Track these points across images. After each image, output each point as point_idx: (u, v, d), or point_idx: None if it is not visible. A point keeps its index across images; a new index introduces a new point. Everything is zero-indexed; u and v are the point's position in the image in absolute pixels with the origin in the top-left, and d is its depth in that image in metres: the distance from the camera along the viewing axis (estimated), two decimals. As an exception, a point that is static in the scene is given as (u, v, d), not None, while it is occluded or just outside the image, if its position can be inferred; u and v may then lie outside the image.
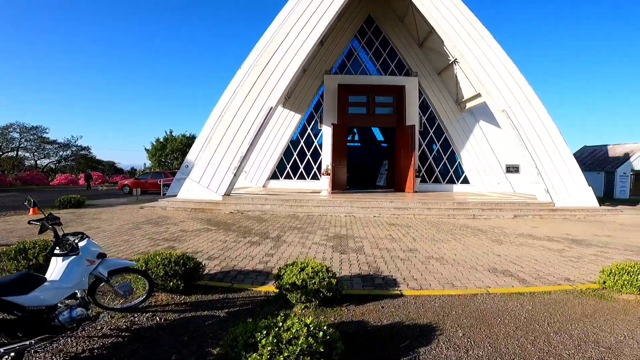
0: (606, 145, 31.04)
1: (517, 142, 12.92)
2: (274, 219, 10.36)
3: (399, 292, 4.43)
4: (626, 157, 26.78)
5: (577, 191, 12.87)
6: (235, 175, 12.79)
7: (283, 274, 3.95)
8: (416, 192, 16.32)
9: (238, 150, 12.75)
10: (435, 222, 10.27)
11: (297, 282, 3.75)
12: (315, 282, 3.76)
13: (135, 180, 21.42)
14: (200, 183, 12.89)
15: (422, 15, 15.90)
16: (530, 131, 12.74)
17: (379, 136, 27.66)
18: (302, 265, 4.02)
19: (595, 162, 28.64)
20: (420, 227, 9.30)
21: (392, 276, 5.04)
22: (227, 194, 12.89)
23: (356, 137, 27.94)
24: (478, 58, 13.35)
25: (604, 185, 25.92)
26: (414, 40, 18.42)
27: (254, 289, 4.49)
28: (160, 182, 17.81)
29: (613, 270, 4.50)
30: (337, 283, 3.95)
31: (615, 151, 29.03)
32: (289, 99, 18.26)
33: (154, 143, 41.12)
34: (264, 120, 12.87)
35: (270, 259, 5.80)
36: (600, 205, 13.01)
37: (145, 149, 42.39)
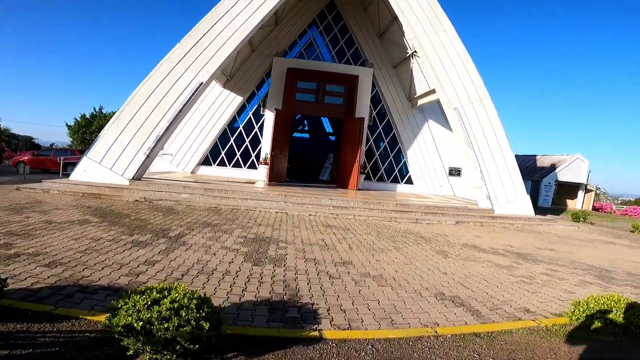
0: (535, 155, 32.94)
1: (465, 143, 12.34)
2: (188, 211, 8.57)
3: (317, 333, 3.06)
4: (552, 167, 28.48)
5: (516, 199, 12.65)
6: (148, 156, 10.70)
7: (121, 307, 2.37)
8: (359, 189, 15.32)
9: (155, 128, 10.67)
10: (376, 226, 9.18)
11: (135, 325, 2.20)
12: (170, 326, 2.25)
13: (34, 157, 17.85)
14: (102, 164, 10.62)
15: (386, 3, 14.91)
16: (479, 133, 12.22)
17: (328, 127, 26.52)
18: (159, 295, 2.47)
19: (524, 171, 30.14)
20: (360, 231, 8.13)
21: (313, 305, 3.67)
22: (137, 178, 10.77)
23: (306, 128, 26.56)
24: (437, 51, 12.55)
25: (530, 193, 27.28)
26: (374, 30, 17.34)
27: (88, 318, 2.88)
28: (60, 160, 14.88)
29: (591, 305, 3.54)
30: (215, 323, 2.47)
31: (543, 161, 30.84)
32: (231, 79, 16.26)
33: (79, 119, 36.13)
34: (191, 96, 10.92)
35: (148, 270, 4.15)
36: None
37: (66, 124, 36.90)
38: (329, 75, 16.05)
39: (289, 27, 16.85)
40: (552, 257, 7.44)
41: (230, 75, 16.04)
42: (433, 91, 14.36)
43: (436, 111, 17.44)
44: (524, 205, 12.74)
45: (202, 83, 10.96)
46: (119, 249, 4.82)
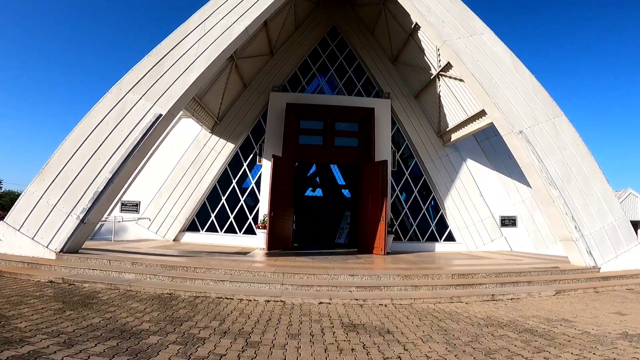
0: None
1: (543, 180, 8.61)
2: (116, 302, 5.03)
3: None
4: None
5: (627, 249, 8.56)
6: (83, 221, 7.38)
7: None
8: (388, 253, 11.42)
9: (92, 182, 7.53)
10: (434, 317, 5.30)
11: None
12: None
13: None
14: (22, 231, 7.41)
15: (396, 17, 12.38)
16: (559, 163, 8.59)
17: (340, 179, 23.20)
18: None
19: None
20: (412, 336, 4.28)
21: None
22: (70, 250, 7.45)
23: (317, 180, 23.31)
24: (478, 58, 9.50)
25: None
26: (386, 55, 14.79)
27: None
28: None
29: None
30: None
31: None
32: (220, 123, 13.52)
33: None
34: (146, 133, 7.90)
35: None
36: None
37: None
38: (338, 110, 13.16)
39: (287, 57, 14.45)
40: None
41: (218, 117, 13.30)
42: (477, 117, 11.14)
43: (473, 147, 14.10)
44: (637, 256, 8.63)
45: (160, 116, 8.00)
46: None
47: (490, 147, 14.18)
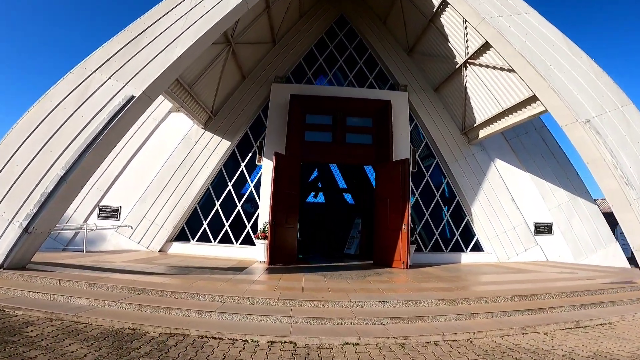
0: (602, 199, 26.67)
1: (608, 176, 6.92)
2: (48, 343, 3.39)
3: None
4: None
5: None
6: (27, 231, 5.66)
7: None
8: (410, 266, 9.65)
9: (40, 182, 5.83)
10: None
11: None
12: None
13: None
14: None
15: (413, 3, 10.86)
16: (632, 158, 6.91)
17: (341, 182, 21.61)
18: None
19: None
20: None
21: None
22: (12, 265, 5.74)
23: (319, 185, 21.69)
24: (525, 38, 7.95)
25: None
26: (400, 46, 13.21)
27: None
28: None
29: None
30: None
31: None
32: (215, 118, 11.86)
33: None
34: (114, 117, 6.22)
35: None
36: None
37: None
38: (350, 103, 11.54)
39: (291, 46, 12.85)
40: None
41: (212, 111, 11.64)
42: (517, 108, 9.53)
43: (502, 146, 12.45)
44: None
45: (133, 98, 6.34)
46: None
47: (521, 146, 12.54)
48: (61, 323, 4.40)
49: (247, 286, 5.94)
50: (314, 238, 15.48)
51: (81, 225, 10.71)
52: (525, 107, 9.53)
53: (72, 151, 5.93)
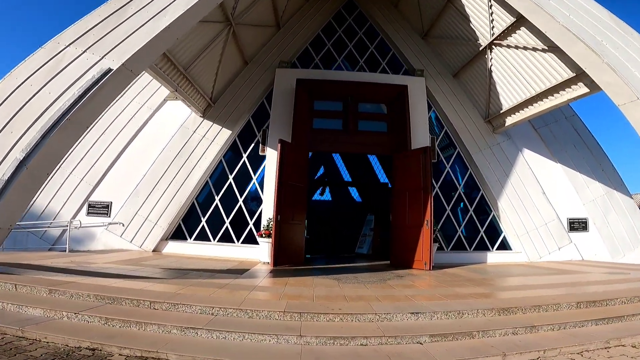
0: None
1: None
2: None
3: None
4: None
5: None
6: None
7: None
8: (433, 268, 8.50)
9: (3, 160, 4.80)
10: None
11: None
12: None
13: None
14: None
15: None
16: None
17: (348, 177, 20.58)
18: None
19: None
20: None
21: None
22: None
23: (325, 179, 20.64)
24: (565, 10, 6.88)
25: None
26: (414, 29, 12.10)
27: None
28: None
29: None
30: None
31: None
32: (214, 105, 10.84)
33: None
34: (89, 91, 5.21)
35: None
36: None
37: None
38: (362, 87, 10.45)
39: (296, 31, 11.81)
40: None
41: (211, 98, 10.62)
42: (553, 91, 8.40)
43: (529, 135, 11.30)
44: None
45: (110, 70, 5.32)
46: None
47: (551, 135, 11.36)
48: (2, 339, 3.38)
49: (246, 294, 4.87)
50: (320, 236, 14.40)
51: (68, 223, 9.74)
52: (564, 90, 8.44)
53: (35, 132, 4.92)
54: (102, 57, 5.59)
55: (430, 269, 8.21)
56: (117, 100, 11.09)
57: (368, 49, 12.24)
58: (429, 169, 8.70)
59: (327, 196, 20.80)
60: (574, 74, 7.85)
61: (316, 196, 19.38)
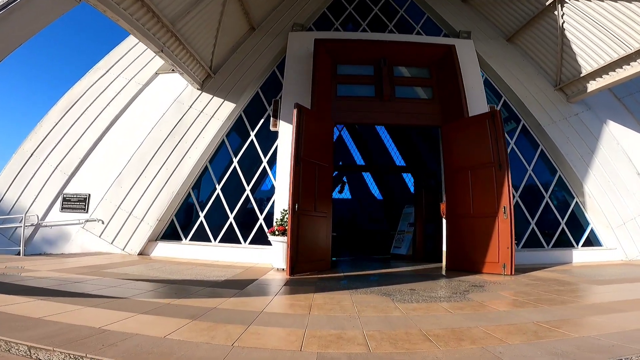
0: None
1: None
2: None
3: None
4: None
5: None
6: None
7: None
8: (514, 274, 6.03)
9: None
10: None
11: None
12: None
13: None
14: None
15: None
16: None
17: (359, 160, 18.42)
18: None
19: None
20: None
21: None
22: None
23: (344, 180, 18.54)
24: None
25: None
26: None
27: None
28: None
29: None
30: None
31: None
32: (215, 76, 8.84)
33: None
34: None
35: None
36: None
37: None
38: (399, 47, 8.28)
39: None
40: None
41: (211, 67, 8.61)
42: None
43: (611, 105, 8.90)
44: None
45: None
46: None
47: (637, 105, 8.93)
48: None
49: (240, 331, 2.62)
50: (345, 233, 12.16)
51: (22, 217, 7.77)
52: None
53: None
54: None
55: (512, 273, 5.81)
56: (101, 77, 9.32)
57: (397, 13, 10.11)
58: (501, 136, 6.36)
59: (346, 194, 18.69)
60: None
61: (335, 194, 17.26)
